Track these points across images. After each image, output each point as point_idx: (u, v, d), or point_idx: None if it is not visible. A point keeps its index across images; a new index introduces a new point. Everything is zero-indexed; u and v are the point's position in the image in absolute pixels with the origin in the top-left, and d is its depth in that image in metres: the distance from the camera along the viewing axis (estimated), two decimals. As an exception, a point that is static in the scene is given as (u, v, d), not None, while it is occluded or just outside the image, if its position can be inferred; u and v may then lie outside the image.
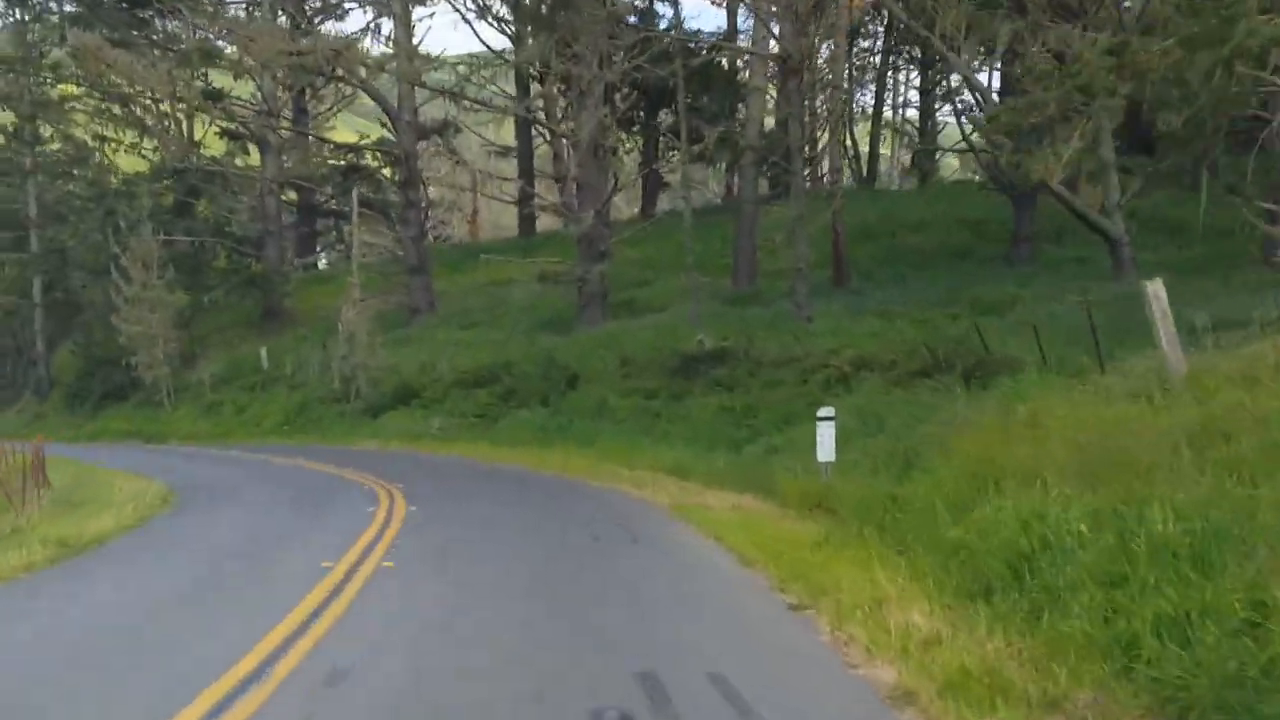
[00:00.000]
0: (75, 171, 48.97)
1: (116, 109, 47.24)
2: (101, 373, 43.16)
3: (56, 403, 47.14)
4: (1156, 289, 9.83)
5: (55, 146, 49.24)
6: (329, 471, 21.17)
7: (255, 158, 47.28)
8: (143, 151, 48.10)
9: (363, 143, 47.35)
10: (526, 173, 52.58)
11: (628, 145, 48.00)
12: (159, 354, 40.00)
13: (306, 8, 47.72)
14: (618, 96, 40.45)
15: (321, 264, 57.51)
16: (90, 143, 49.30)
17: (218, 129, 47.35)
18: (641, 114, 46.58)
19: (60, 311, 48.37)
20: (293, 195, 51.06)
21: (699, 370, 24.05)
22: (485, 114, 43.28)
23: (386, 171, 47.53)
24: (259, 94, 46.54)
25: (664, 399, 23.91)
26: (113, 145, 48.77)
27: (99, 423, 42.64)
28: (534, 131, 51.61)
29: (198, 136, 49.31)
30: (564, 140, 41.89)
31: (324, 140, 48.79)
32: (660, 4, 52.31)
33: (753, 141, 35.55)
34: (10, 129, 47.04)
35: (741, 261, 38.26)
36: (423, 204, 41.97)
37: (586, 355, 30.33)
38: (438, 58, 43.05)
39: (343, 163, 46.47)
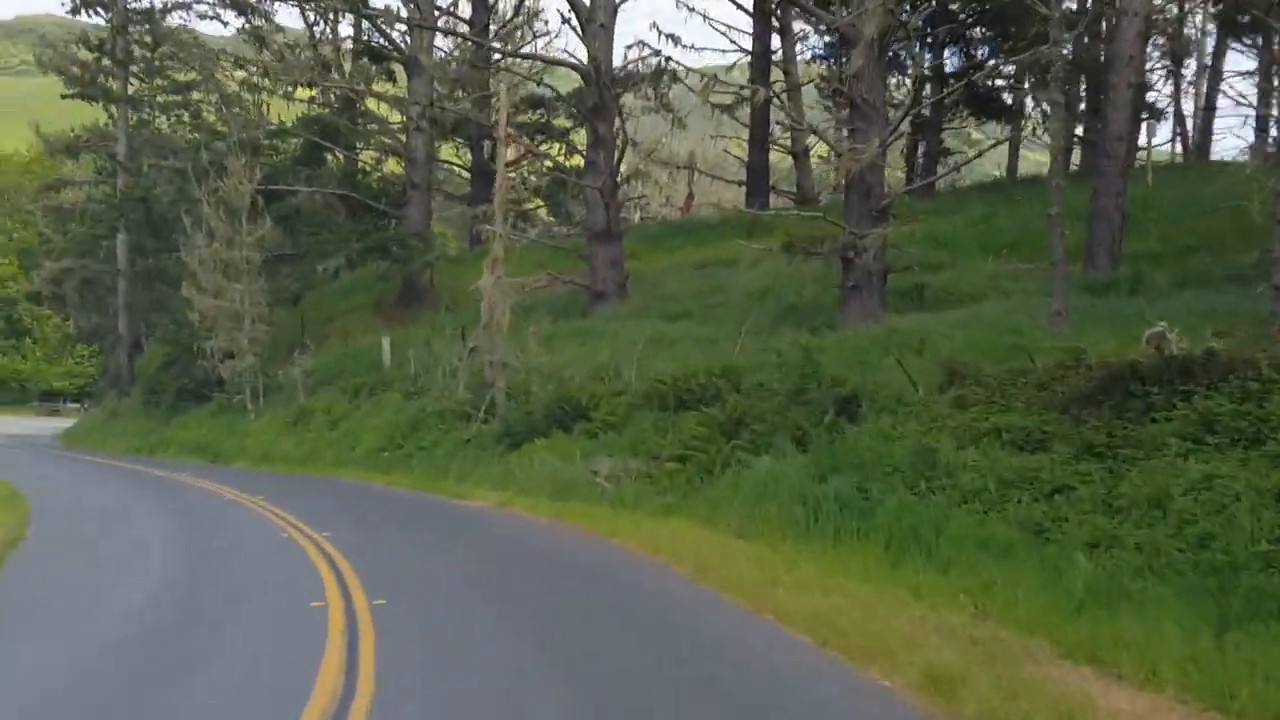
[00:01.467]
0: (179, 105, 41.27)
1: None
2: (179, 364, 34.83)
3: (135, 401, 39.43)
4: None
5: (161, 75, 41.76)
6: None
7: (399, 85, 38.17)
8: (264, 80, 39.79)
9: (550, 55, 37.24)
10: (761, 122, 41.84)
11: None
12: (243, 340, 31.07)
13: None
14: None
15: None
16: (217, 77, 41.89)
17: (358, 46, 38.60)
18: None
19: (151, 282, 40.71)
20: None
21: (1156, 394, 12.26)
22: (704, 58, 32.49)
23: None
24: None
25: (1071, 446, 12.32)
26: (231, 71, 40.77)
27: (170, 430, 34.42)
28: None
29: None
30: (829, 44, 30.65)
31: (492, 48, 38.93)
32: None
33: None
34: (98, 42, 39.76)
35: (1099, 237, 26.32)
36: (617, 141, 31.59)
37: (866, 363, 19.19)
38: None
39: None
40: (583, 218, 42.80)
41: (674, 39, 49.83)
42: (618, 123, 33.23)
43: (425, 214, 37.51)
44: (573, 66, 32.68)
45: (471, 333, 25.37)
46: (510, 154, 24.61)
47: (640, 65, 33.55)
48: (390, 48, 37.82)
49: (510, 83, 31.70)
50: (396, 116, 41.44)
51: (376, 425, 26.18)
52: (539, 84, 35.43)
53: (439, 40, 41.54)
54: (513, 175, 25.68)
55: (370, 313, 37.60)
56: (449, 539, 14.69)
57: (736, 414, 18.28)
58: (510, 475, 19.87)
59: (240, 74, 41.92)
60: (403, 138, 38.22)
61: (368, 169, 38.85)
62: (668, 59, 33.23)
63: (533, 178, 37.07)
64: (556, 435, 21.54)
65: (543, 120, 41.43)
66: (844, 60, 29.92)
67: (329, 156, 38.81)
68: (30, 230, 74.01)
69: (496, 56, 38.34)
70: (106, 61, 41.13)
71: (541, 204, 46.27)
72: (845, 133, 29.39)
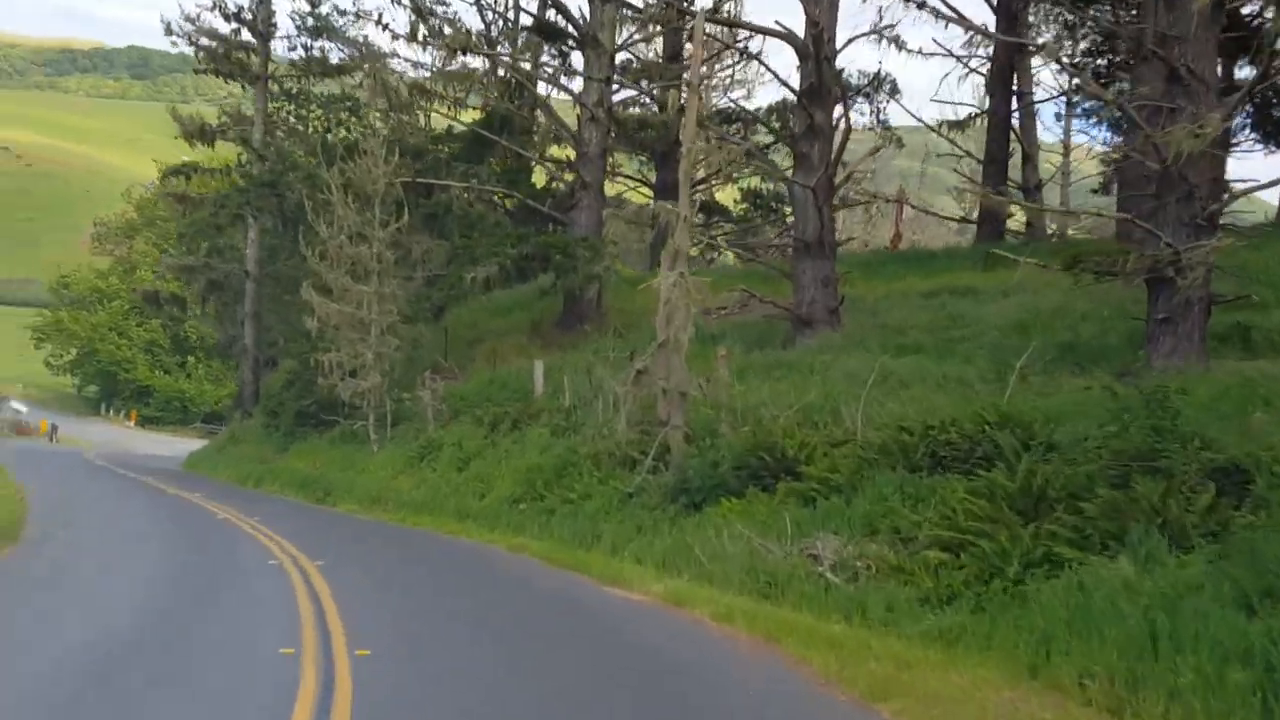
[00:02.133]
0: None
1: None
2: (300, 383, 30.73)
3: (257, 424, 35.71)
4: None
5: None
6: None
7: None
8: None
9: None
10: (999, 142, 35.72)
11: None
12: (368, 354, 26.63)
13: None
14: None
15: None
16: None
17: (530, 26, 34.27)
18: None
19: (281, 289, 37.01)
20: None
21: None
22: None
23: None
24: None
25: None
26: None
27: (285, 459, 30.30)
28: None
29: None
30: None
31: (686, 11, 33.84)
32: None
33: None
34: (236, 9, 36.53)
35: None
36: (836, 134, 26.07)
37: (1224, 418, 13.18)
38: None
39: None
40: (780, 234, 37.30)
41: (897, 43, 43.84)
42: (838, 110, 27.62)
43: (596, 220, 32.58)
44: (783, 36, 27.21)
45: (642, 354, 20.01)
46: (696, 113, 19.12)
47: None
48: (566, 22, 33.25)
49: (709, 47, 26.45)
50: (570, 118, 36.89)
51: (515, 469, 21.09)
52: (741, 56, 30.02)
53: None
54: (702, 145, 20.16)
55: (525, 334, 32.86)
56: (590, 679, 9.11)
57: (1036, 483, 12.32)
58: (685, 552, 14.34)
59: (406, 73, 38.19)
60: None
61: (533, 164, 34.26)
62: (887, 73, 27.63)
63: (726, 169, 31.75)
64: (753, 495, 15.98)
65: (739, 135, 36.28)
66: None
67: (491, 157, 34.41)
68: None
69: (690, 24, 33.15)
70: (246, 35, 38.11)
71: (739, 203, 41.06)
72: (1145, 114, 23.03)
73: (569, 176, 36.20)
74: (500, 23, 36.64)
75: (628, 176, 45.61)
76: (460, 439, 24.11)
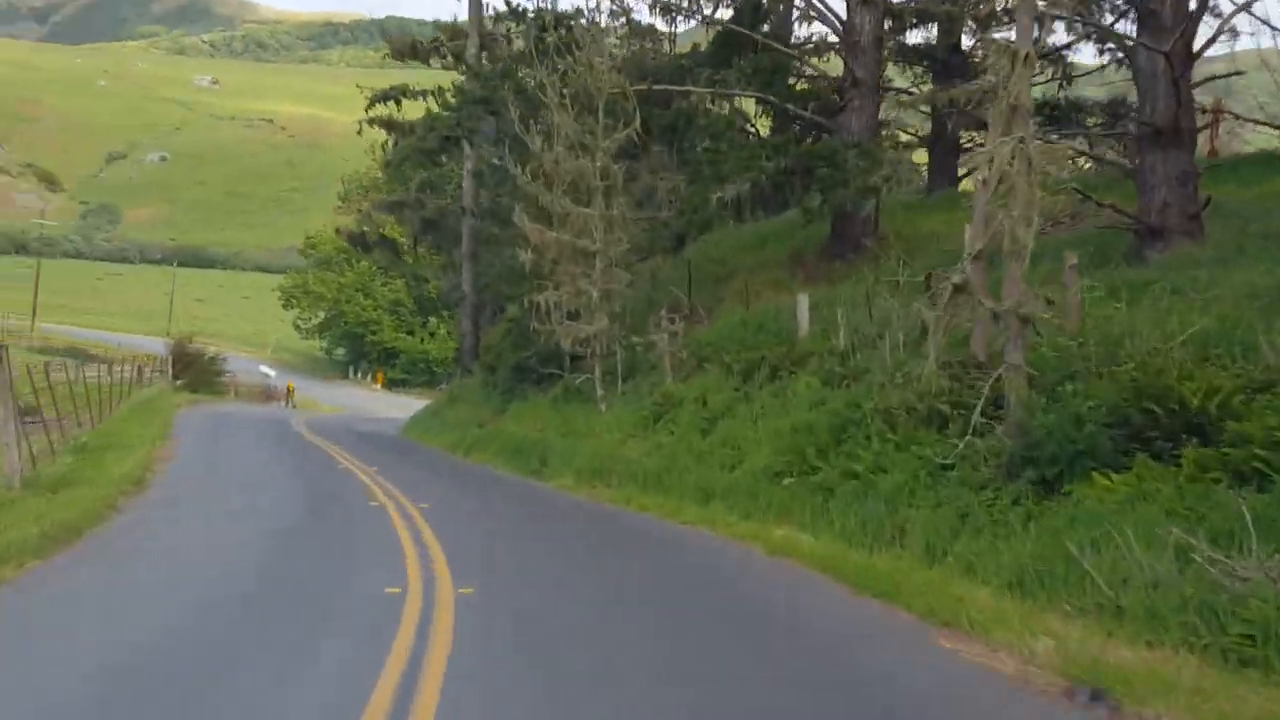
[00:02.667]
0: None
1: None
2: (517, 332, 26.69)
3: (476, 382, 32.12)
4: None
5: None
6: None
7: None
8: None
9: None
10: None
11: None
12: (592, 292, 22.17)
13: None
14: None
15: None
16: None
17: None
18: None
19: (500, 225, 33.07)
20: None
21: None
22: None
23: None
24: None
25: None
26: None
27: (502, 421, 26.40)
28: None
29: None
30: None
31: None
32: None
33: None
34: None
35: None
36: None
37: None
38: None
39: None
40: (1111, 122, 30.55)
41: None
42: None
43: (870, 123, 26.94)
44: None
45: (949, 271, 14.47)
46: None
47: None
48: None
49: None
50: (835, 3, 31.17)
51: (775, 431, 16.01)
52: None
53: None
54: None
55: (784, 268, 27.67)
56: None
57: None
58: (1057, 564, 8.95)
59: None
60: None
61: (793, 62, 28.91)
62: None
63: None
64: (1142, 468, 10.42)
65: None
66: None
67: (740, 58, 29.22)
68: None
69: None
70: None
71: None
72: None
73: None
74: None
75: (900, 89, 39.50)
76: (704, 392, 19.22)
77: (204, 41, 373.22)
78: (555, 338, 23.20)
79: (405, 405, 69.29)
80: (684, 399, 19.62)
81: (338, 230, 41.69)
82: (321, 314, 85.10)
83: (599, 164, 22.94)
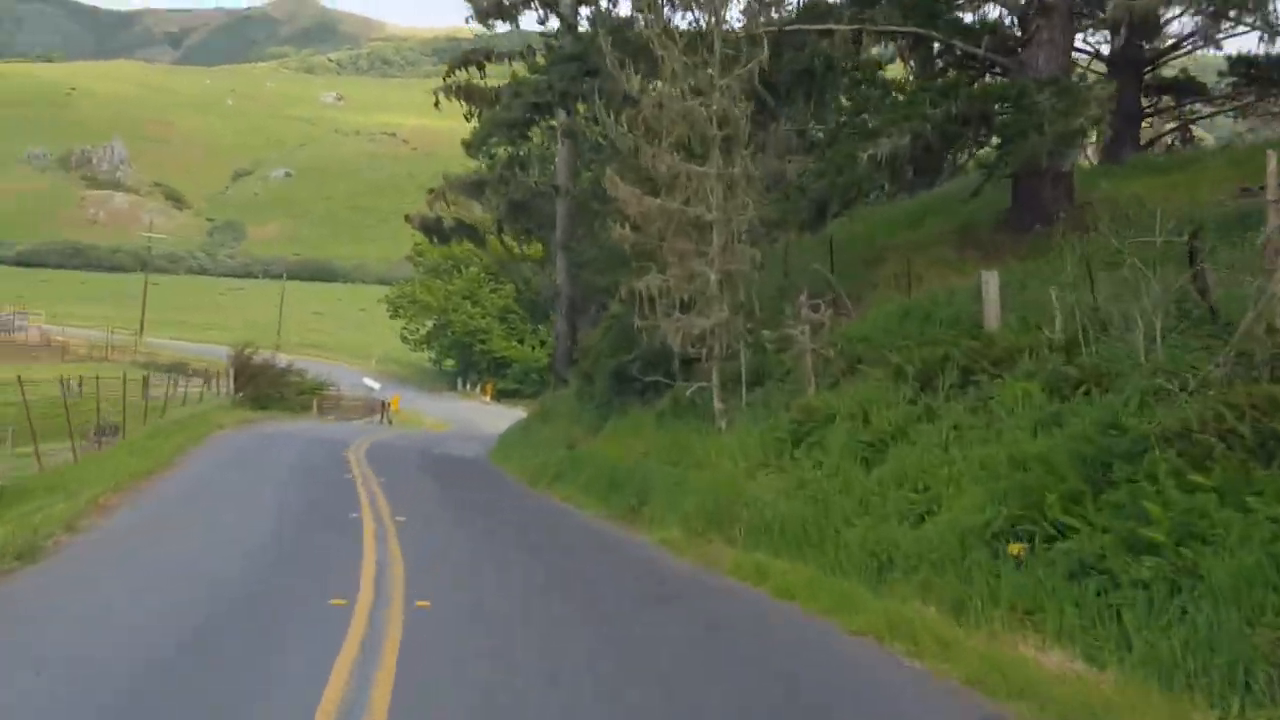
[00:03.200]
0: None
1: None
2: (614, 335, 21.53)
3: (570, 394, 27.09)
4: None
5: None
6: None
7: None
8: None
9: None
10: None
11: None
12: (708, 274, 16.85)
13: None
14: None
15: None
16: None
17: None
18: None
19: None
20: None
21: None
22: None
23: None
24: None
25: None
26: None
27: (596, 442, 21.21)
28: None
29: None
30: None
31: None
32: None
33: None
34: None
35: None
36: None
37: None
38: None
39: None
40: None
41: None
42: None
43: (1061, 59, 21.11)
44: None
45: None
46: None
47: None
48: None
49: None
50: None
51: (984, 462, 10.48)
52: None
53: None
54: None
55: (950, 245, 21.97)
56: None
57: None
58: None
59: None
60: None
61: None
62: None
63: None
64: None
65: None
66: None
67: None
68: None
69: None
70: None
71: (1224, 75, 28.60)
72: None
73: None
74: None
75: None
76: (864, 405, 13.66)
77: (330, 60, 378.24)
78: (662, 335, 17.87)
79: (513, 418, 64.89)
80: (834, 414, 14.09)
81: (407, 217, 36.44)
82: (429, 324, 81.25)
83: (715, 108, 17.58)
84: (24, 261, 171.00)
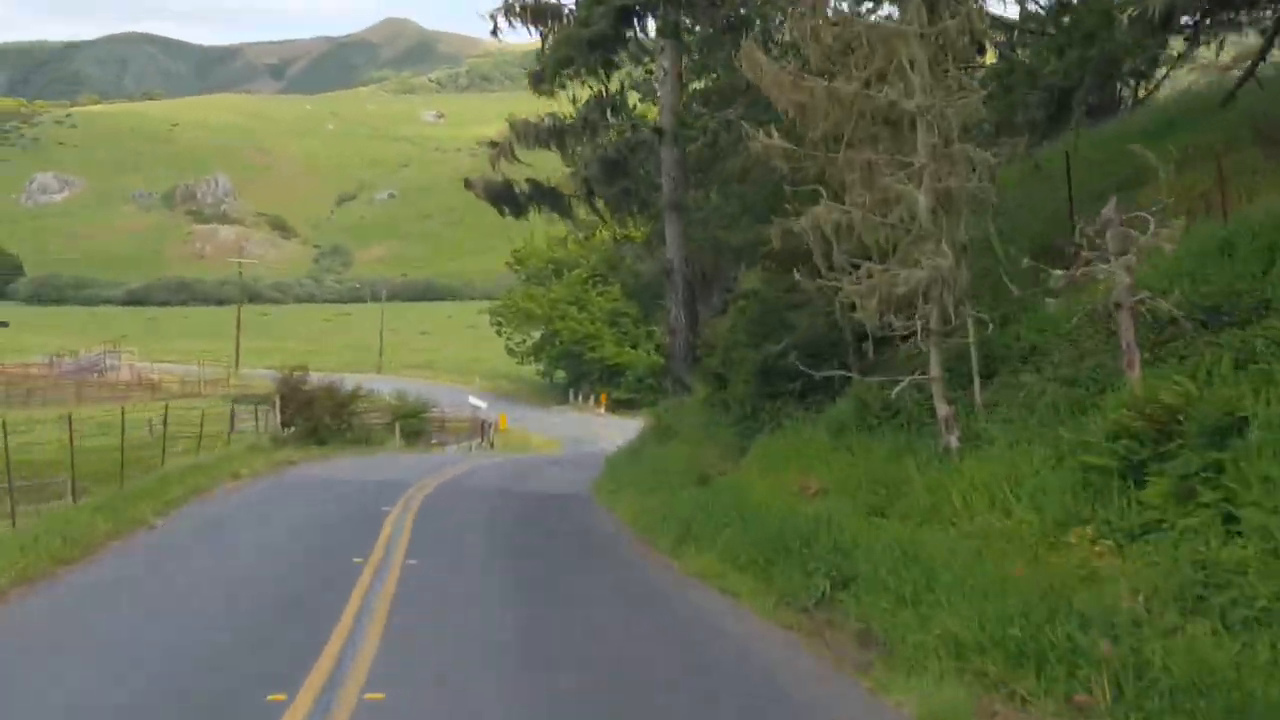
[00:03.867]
0: None
1: None
2: (756, 317, 14.76)
3: (696, 403, 20.46)
4: None
5: None
6: None
7: None
8: None
9: None
10: None
11: None
12: (918, 206, 10.00)
13: None
14: None
15: None
16: None
17: None
18: None
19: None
20: None
21: None
22: None
23: None
24: None
25: None
26: None
27: (741, 470, 14.35)
28: None
29: None
30: None
31: None
32: None
33: None
34: None
35: None
36: None
37: None
38: None
39: None
40: None
41: None
42: None
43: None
44: None
45: None
46: None
47: None
48: None
49: None
50: None
51: None
52: None
53: None
54: None
55: (1244, 152, 14.91)
56: None
57: None
58: None
59: None
60: None
61: None
62: None
63: None
64: None
65: None
66: None
67: None
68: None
69: None
70: None
71: None
72: None
73: None
74: None
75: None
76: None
77: (431, 80, 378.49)
78: (843, 304, 11.13)
79: (630, 430, 58.60)
80: (1228, 416, 7.23)
81: (467, 183, 29.27)
82: (535, 334, 75.11)
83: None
84: (134, 300, 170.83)
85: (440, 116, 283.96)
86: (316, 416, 33.13)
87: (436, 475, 24.44)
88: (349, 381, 40.19)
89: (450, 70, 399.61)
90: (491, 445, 48.09)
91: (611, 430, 59.58)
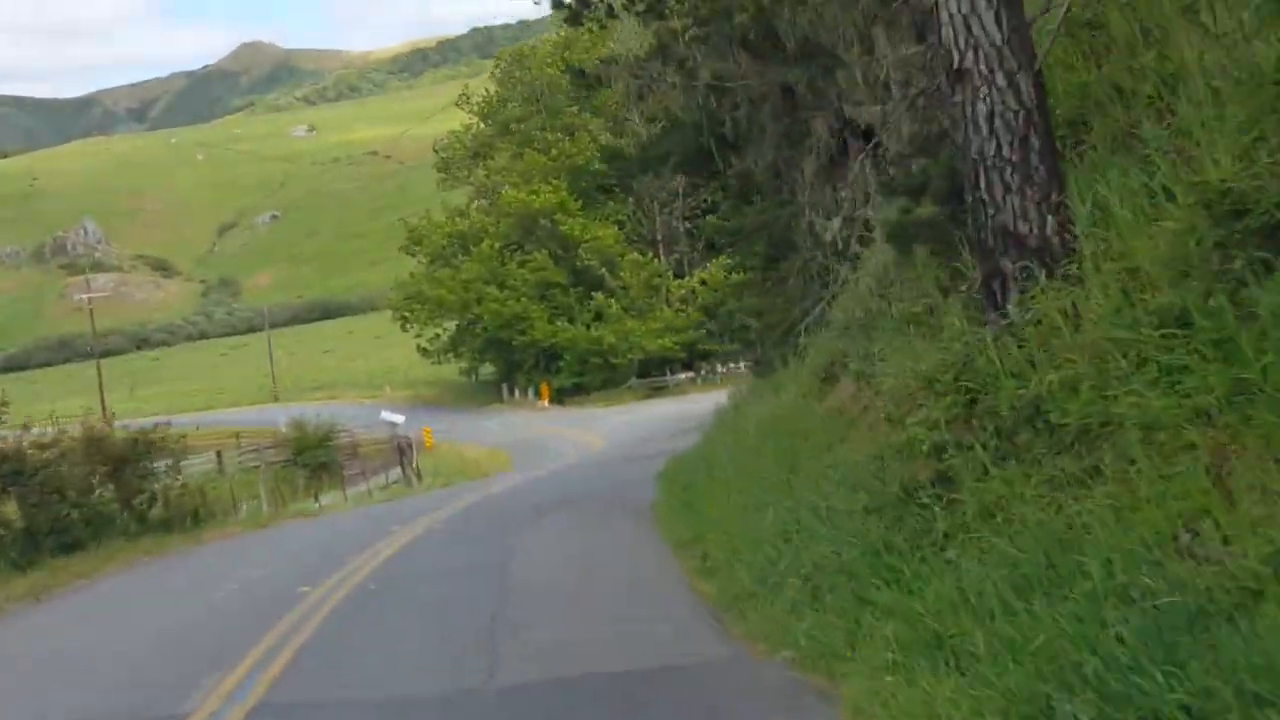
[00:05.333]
0: None
1: None
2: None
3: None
4: None
5: None
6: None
7: None
8: None
9: None
10: None
11: None
12: None
13: None
14: None
15: None
16: None
17: None
18: None
19: None
20: None
21: None
22: None
23: None
24: None
25: None
26: None
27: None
28: None
29: None
30: None
31: None
32: None
33: None
34: None
35: None
36: None
37: None
38: None
39: None
40: None
41: None
42: None
43: None
44: None
45: None
46: None
47: None
48: None
49: None
50: None
51: None
52: None
53: None
54: None
55: None
56: None
57: None
58: None
59: None
60: None
61: None
62: None
63: None
64: None
65: None
66: None
67: None
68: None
69: None
70: None
71: None
72: None
73: None
74: None
75: None
76: None
77: (297, 99, 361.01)
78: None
79: (590, 423, 46.24)
80: None
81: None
82: (451, 325, 62.12)
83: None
84: (14, 366, 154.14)
85: (311, 130, 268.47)
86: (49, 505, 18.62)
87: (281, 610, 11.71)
88: (236, 417, 26.66)
89: (316, 86, 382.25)
90: (418, 476, 34.87)
91: (562, 426, 47.43)
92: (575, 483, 23.72)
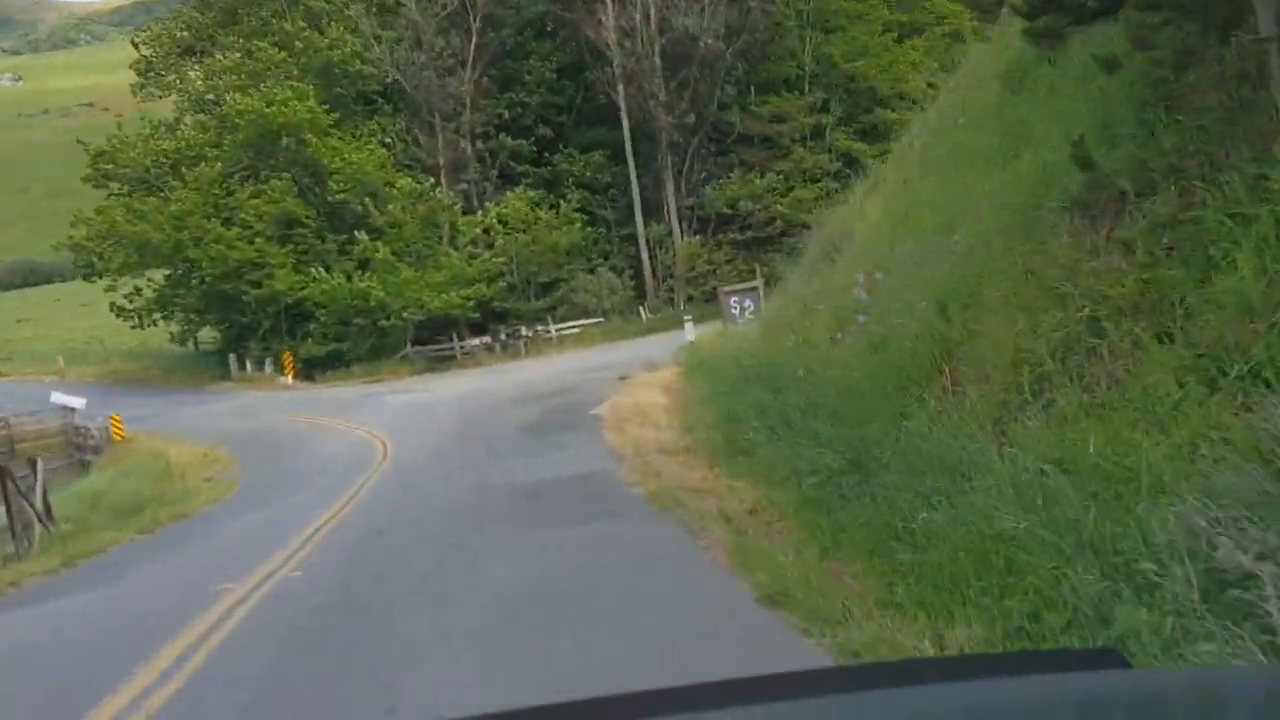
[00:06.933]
0: None
1: None
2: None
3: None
4: None
5: None
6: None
7: None
8: None
9: None
10: None
11: None
12: None
13: None
14: None
15: None
16: None
17: None
18: None
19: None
20: None
21: None
22: None
23: None
24: None
25: None
26: None
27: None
28: None
29: None
30: None
31: None
32: None
33: None
34: None
35: None
36: None
37: None
38: None
39: None
40: None
41: None
42: None
43: None
44: None
45: None
46: None
47: None
48: None
49: None
50: None
51: None
52: None
53: None
54: None
55: None
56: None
57: None
58: None
59: None
60: None
61: None
62: None
63: None
64: None
65: None
66: None
67: None
68: None
69: None
70: None
71: None
72: None
73: None
74: None
75: None
76: None
77: (4, 50, 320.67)
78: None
79: (358, 409, 31.54)
80: None
81: None
82: (159, 277, 45.10)
83: None
84: None
85: (18, 80, 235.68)
86: None
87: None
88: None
89: (27, 36, 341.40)
90: (52, 522, 17.97)
91: (320, 413, 32.85)
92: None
